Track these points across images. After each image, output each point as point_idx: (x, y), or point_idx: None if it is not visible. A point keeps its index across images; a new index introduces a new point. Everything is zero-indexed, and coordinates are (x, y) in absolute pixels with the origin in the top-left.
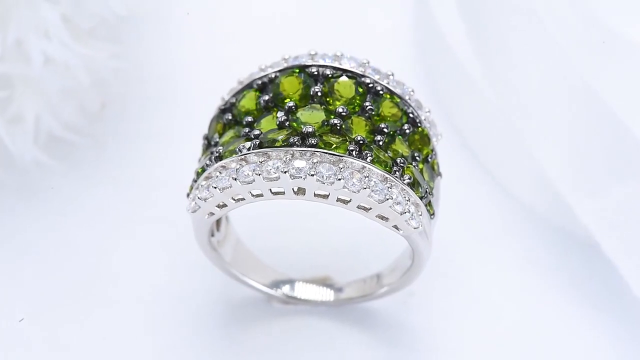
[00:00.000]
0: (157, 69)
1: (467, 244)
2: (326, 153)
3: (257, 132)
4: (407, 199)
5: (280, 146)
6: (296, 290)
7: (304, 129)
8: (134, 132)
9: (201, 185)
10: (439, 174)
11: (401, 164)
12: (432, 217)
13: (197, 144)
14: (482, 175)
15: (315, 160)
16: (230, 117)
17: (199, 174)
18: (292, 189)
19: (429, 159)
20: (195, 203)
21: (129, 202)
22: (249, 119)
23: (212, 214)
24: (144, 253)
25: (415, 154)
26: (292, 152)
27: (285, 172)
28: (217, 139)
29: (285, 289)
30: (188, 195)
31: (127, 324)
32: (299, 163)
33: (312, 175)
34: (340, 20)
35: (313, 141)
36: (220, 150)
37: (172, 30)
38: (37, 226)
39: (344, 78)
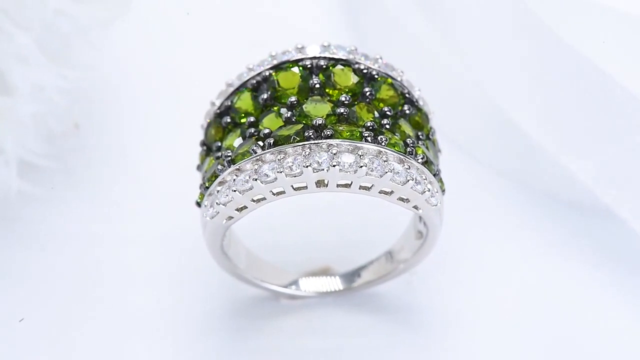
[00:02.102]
0: (125, 85)
1: (459, 220)
2: (343, 142)
3: (266, 130)
4: (424, 178)
5: (296, 141)
6: (302, 285)
7: (315, 122)
8: (108, 150)
9: (217, 191)
10: (439, 150)
11: (411, 145)
12: (443, 193)
13: (175, 154)
14: (452, 149)
15: (334, 151)
16: (229, 120)
17: (211, 180)
18: (315, 182)
19: (430, 137)
20: (214, 209)
21: (113, 216)
22: (251, 119)
23: (231, 217)
24: (143, 261)
25: (419, 133)
26: (309, 146)
27: (307, 167)
28: (220, 144)
29: (292, 287)
30: (198, 203)
31: (133, 329)
32: (320, 155)
33: (334, 166)
34: None
35: (328, 132)
36: (230, 154)
37: (137, 44)
38: (31, 249)
39: (339, 67)
